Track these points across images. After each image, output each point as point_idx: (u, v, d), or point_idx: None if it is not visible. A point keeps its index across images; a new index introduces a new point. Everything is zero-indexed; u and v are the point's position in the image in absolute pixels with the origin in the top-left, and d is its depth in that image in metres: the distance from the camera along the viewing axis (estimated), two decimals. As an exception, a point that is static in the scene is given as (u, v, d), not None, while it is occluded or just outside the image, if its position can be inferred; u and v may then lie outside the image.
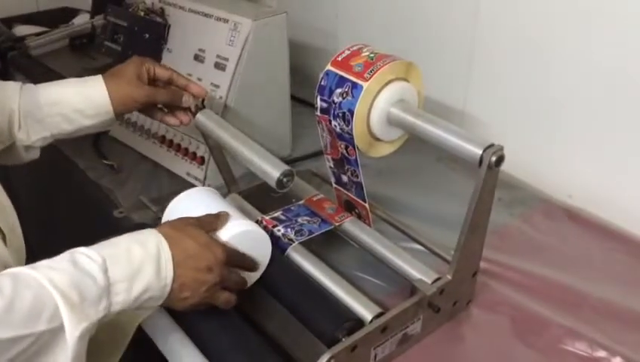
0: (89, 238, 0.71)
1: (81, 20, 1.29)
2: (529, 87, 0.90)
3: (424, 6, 1.00)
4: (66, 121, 0.72)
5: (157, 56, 0.96)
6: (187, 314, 0.60)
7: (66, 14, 1.36)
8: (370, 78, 0.63)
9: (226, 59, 0.88)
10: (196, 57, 0.92)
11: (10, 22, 1.32)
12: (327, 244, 0.75)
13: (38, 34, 1.22)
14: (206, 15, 0.91)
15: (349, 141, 0.67)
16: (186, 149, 0.92)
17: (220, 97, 0.88)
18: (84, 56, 1.17)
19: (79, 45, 1.20)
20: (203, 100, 0.77)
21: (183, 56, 0.93)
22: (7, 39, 1.22)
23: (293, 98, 0.99)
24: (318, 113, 0.69)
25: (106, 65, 1.07)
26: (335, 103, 0.66)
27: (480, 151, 0.57)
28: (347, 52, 0.67)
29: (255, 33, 0.86)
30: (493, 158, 0.57)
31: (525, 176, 0.92)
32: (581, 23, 0.80)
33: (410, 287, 0.63)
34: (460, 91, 0.99)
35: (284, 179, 0.61)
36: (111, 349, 0.60)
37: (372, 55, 0.65)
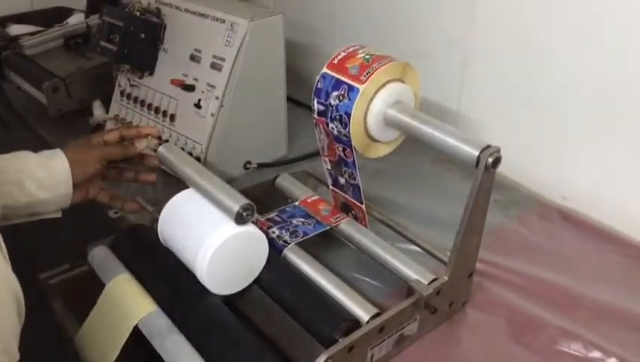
0: (85, 239, 0.71)
1: (76, 20, 1.27)
2: (524, 88, 0.90)
3: (420, 7, 1.01)
4: (20, 191, 0.67)
5: (153, 57, 0.96)
6: (185, 315, 0.60)
7: (61, 14, 1.35)
8: (366, 80, 0.63)
9: (223, 60, 0.88)
10: (192, 57, 0.92)
11: (4, 21, 1.31)
12: (323, 245, 0.75)
13: (32, 33, 1.21)
14: (202, 15, 0.91)
15: (347, 143, 0.67)
16: (182, 150, 0.92)
17: (216, 97, 0.88)
18: (79, 56, 1.16)
19: (74, 45, 1.19)
20: (160, 137, 0.76)
21: (179, 57, 0.93)
22: (1, 39, 1.21)
23: (289, 99, 0.99)
24: (315, 116, 0.69)
25: (102, 64, 1.07)
26: (332, 106, 0.66)
27: (477, 153, 0.57)
28: (343, 54, 0.67)
29: (251, 34, 0.86)
30: (490, 160, 0.57)
31: (520, 177, 0.92)
32: (576, 23, 0.80)
33: (406, 288, 0.63)
34: (455, 92, 1.00)
35: (244, 213, 0.61)
36: (106, 350, 0.60)
37: (368, 57, 0.65)
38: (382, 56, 0.65)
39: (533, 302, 0.70)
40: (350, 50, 0.67)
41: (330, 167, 0.74)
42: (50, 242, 0.79)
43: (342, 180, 0.73)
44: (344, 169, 0.72)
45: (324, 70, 0.67)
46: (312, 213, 0.75)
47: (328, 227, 0.73)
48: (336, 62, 0.67)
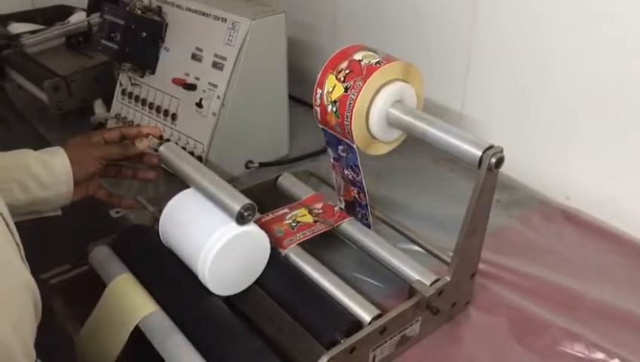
0: (86, 238, 0.71)
1: (78, 18, 1.27)
2: (527, 88, 0.90)
3: (423, 6, 1.00)
4: (21, 189, 0.66)
5: (154, 55, 0.96)
6: (185, 316, 0.60)
7: (62, 12, 1.35)
8: (352, 138, 0.64)
9: (224, 59, 0.88)
10: (194, 56, 0.91)
11: (5, 19, 1.31)
12: (325, 245, 0.74)
13: (33, 32, 1.21)
14: (204, 14, 0.91)
15: (361, 188, 0.69)
16: (183, 149, 0.91)
17: (218, 97, 0.88)
18: (80, 54, 1.16)
19: (75, 44, 1.19)
20: (161, 136, 0.76)
21: (181, 55, 0.93)
22: (2, 37, 1.21)
23: (291, 97, 0.99)
24: (332, 160, 0.71)
25: (103, 63, 1.07)
26: (343, 157, 0.68)
27: (480, 153, 0.57)
28: (317, 108, 0.67)
29: (253, 32, 0.86)
30: (493, 160, 0.57)
31: (523, 177, 0.92)
32: (580, 23, 0.80)
33: (408, 289, 0.63)
34: (458, 92, 0.99)
35: (245, 213, 0.60)
36: (106, 350, 0.60)
37: (334, 108, 0.64)
38: (344, 96, 0.63)
39: (536, 302, 0.70)
40: (317, 97, 0.66)
41: (343, 207, 0.76)
42: (51, 242, 0.79)
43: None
44: (357, 209, 0.73)
45: (320, 126, 0.68)
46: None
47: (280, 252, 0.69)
48: (319, 117, 0.67)
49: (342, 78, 0.63)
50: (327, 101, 0.64)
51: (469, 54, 0.96)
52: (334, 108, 0.64)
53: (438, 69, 0.99)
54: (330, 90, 0.64)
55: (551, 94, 0.87)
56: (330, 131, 0.67)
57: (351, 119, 0.62)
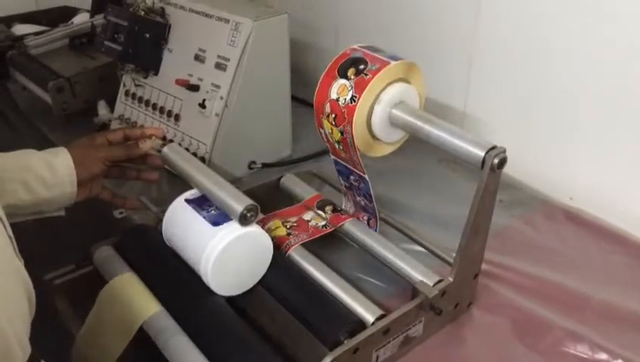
0: (89, 238, 0.72)
1: (81, 20, 1.28)
2: (530, 88, 0.90)
3: (425, 6, 1.00)
4: (25, 190, 0.67)
5: (157, 56, 0.96)
6: (189, 316, 0.60)
7: (66, 13, 1.36)
8: (362, 171, 0.67)
9: (227, 60, 0.88)
10: (197, 57, 0.92)
11: (9, 21, 1.32)
12: (328, 246, 0.75)
13: (37, 33, 1.21)
14: (207, 15, 0.91)
15: (372, 213, 0.71)
16: (187, 150, 0.92)
17: (221, 98, 0.88)
18: (83, 55, 1.16)
19: (79, 45, 1.20)
20: (165, 137, 0.76)
21: (184, 57, 0.93)
22: (6, 38, 1.22)
23: (293, 98, 0.99)
24: (344, 188, 0.73)
25: (107, 64, 1.08)
26: (355, 186, 0.69)
27: (482, 154, 0.57)
28: (327, 144, 0.68)
29: (256, 33, 0.86)
30: (496, 161, 0.57)
31: (526, 177, 0.92)
32: (582, 23, 0.80)
33: (411, 289, 0.63)
34: (461, 92, 0.99)
35: (248, 214, 0.60)
36: (108, 350, 0.60)
37: (340, 147, 0.65)
38: (344, 138, 0.64)
39: (539, 303, 0.70)
40: (322, 136, 0.67)
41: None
42: (54, 242, 0.79)
43: None
44: None
45: (332, 156, 0.70)
46: None
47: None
48: (330, 150, 0.69)
49: (333, 122, 0.64)
50: (333, 140, 0.66)
51: (471, 54, 0.96)
52: (340, 147, 0.66)
53: (441, 69, 0.99)
54: (330, 132, 0.66)
55: (553, 94, 0.87)
56: (339, 161, 0.69)
57: (357, 155, 0.64)
